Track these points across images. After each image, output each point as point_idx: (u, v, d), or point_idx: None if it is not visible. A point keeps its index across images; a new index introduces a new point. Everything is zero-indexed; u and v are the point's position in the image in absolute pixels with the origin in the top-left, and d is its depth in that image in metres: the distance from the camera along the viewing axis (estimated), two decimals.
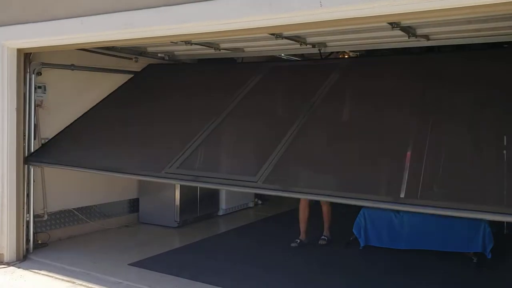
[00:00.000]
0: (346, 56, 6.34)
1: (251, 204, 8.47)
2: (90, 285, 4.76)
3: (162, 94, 6.03)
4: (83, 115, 6.08)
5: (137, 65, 6.67)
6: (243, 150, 4.81)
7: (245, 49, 5.81)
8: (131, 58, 6.52)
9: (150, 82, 6.48)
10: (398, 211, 5.21)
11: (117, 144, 5.43)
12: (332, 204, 5.83)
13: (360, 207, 5.49)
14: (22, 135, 5.48)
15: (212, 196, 7.52)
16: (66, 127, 5.95)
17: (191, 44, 5.35)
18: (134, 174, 4.85)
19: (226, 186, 4.26)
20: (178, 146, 4.80)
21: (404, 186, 3.73)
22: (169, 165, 4.57)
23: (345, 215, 5.77)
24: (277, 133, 4.57)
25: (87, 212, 6.41)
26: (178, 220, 6.86)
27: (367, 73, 5.22)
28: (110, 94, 6.34)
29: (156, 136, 5.30)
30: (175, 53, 6.33)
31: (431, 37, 4.73)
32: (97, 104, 6.22)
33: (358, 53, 6.32)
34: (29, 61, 5.50)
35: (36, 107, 5.71)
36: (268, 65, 5.83)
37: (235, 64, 6.42)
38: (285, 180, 4.18)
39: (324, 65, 5.63)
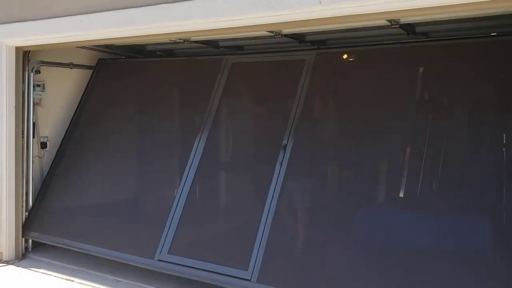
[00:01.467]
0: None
1: None
2: (89, 283, 4.77)
3: (124, 112, 5.80)
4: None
5: None
6: (228, 221, 4.66)
7: (244, 47, 5.79)
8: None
9: (108, 90, 6.05)
10: None
11: (100, 210, 5.33)
12: None
13: None
14: (21, 133, 5.48)
15: None
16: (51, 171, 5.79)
17: (190, 42, 5.34)
18: (128, 260, 4.77)
19: (219, 283, 4.20)
20: (161, 215, 4.75)
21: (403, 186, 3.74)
22: (159, 248, 4.57)
23: None
24: (258, 187, 4.46)
25: None
26: None
27: (353, 66, 4.80)
28: (75, 118, 6.01)
29: (135, 194, 5.28)
30: (174, 51, 6.31)
31: (430, 35, 4.72)
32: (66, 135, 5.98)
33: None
34: (27, 59, 5.51)
35: (35, 106, 5.71)
36: (228, 62, 5.23)
37: (191, 61, 5.86)
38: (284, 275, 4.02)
39: (294, 61, 4.93)
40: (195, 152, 4.90)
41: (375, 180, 4.11)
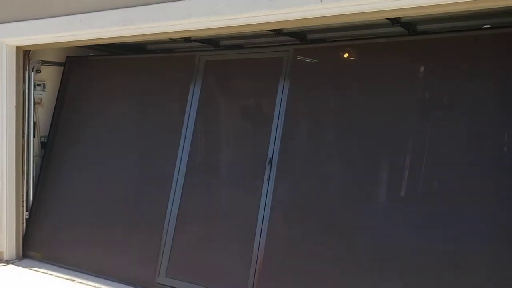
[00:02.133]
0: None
1: None
2: (89, 283, 4.76)
3: (94, 116, 5.55)
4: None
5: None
6: (220, 242, 4.45)
7: (245, 45, 5.77)
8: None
9: (80, 89, 5.77)
10: None
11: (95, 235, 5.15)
12: None
13: None
14: (21, 133, 5.48)
15: None
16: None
17: (190, 41, 5.32)
18: (129, 283, 4.72)
19: None
20: (155, 234, 4.68)
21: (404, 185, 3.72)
22: (157, 271, 4.56)
23: None
24: (247, 205, 4.26)
25: None
26: None
27: (337, 63, 4.38)
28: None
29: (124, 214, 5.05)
30: (175, 50, 6.30)
31: (431, 33, 4.69)
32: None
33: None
34: (28, 58, 5.50)
35: (36, 105, 5.70)
36: (201, 60, 4.94)
37: (160, 58, 5.59)
38: None
39: (271, 59, 4.56)
40: (179, 170, 4.75)
41: (375, 195, 3.93)
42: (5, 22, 5.22)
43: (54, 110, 5.84)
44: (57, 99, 5.86)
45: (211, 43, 5.51)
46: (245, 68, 4.84)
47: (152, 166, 5.08)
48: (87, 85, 5.78)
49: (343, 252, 3.88)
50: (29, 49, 5.43)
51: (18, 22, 5.12)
